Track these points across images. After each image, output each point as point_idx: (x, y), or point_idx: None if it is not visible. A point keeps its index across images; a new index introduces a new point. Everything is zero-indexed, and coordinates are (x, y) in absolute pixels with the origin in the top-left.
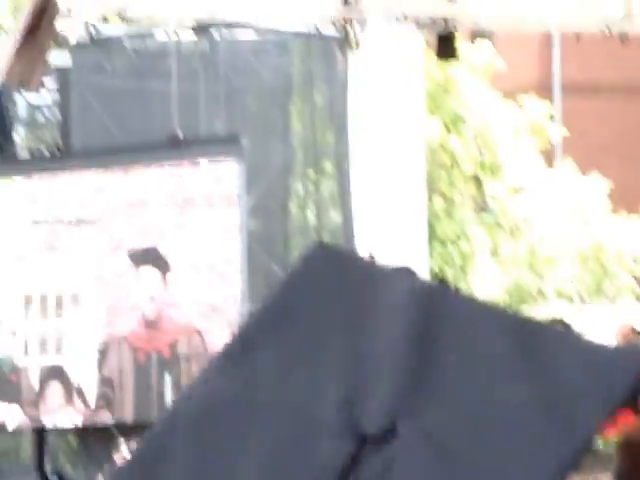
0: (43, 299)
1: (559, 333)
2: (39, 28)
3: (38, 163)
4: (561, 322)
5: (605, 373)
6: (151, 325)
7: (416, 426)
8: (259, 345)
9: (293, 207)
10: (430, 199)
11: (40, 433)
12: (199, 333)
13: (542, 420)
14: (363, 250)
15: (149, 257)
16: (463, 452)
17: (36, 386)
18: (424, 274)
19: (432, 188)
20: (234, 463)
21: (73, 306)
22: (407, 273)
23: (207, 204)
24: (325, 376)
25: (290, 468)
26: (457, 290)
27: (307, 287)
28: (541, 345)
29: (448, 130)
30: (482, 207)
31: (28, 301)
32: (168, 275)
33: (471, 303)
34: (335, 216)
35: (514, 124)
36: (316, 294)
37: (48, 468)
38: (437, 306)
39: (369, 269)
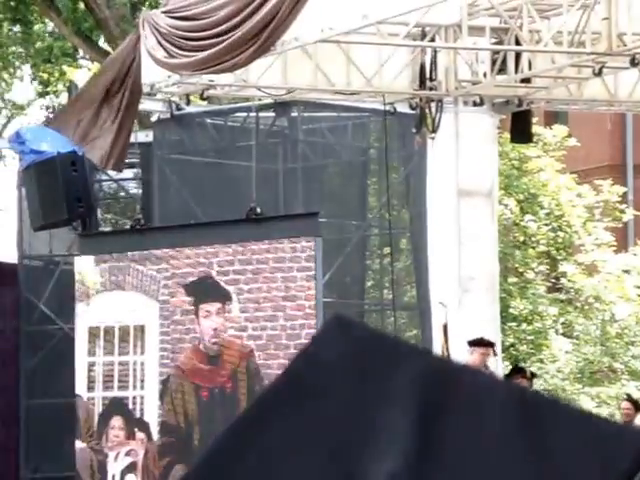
0: (108, 334)
1: (564, 408)
2: (121, 109)
3: (120, 237)
4: (629, 397)
5: (608, 452)
6: (211, 361)
7: None
8: (262, 425)
9: (369, 283)
10: (504, 277)
11: None
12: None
13: None
14: (438, 326)
15: (210, 291)
16: None
17: (97, 420)
18: (497, 350)
19: (506, 266)
20: None
21: (137, 341)
22: (421, 351)
23: (284, 277)
24: (327, 460)
25: None
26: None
27: (317, 364)
28: (545, 422)
29: (522, 209)
30: (555, 285)
31: (94, 336)
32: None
33: (484, 382)
34: (410, 293)
35: (587, 203)
36: (326, 371)
37: None
38: (446, 387)
39: (383, 346)
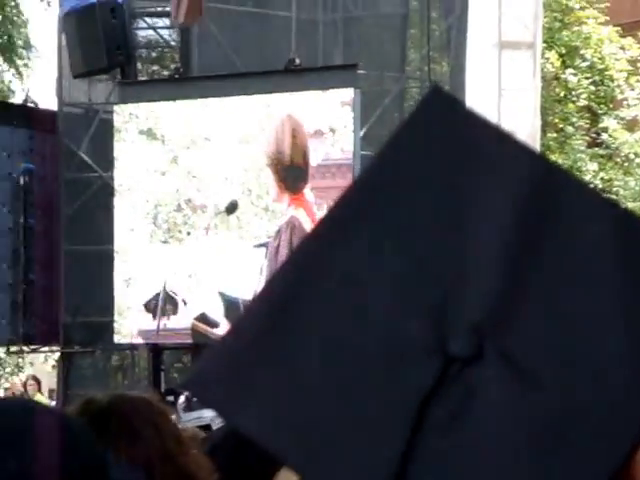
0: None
1: None
2: None
3: (158, 86)
4: None
5: None
6: None
7: (503, 350)
8: (351, 225)
9: None
10: (543, 131)
11: (156, 351)
12: None
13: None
14: None
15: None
16: (550, 385)
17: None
18: None
19: (546, 121)
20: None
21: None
22: (529, 152)
23: (322, 129)
24: (418, 276)
25: (367, 384)
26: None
27: (412, 151)
28: None
29: (563, 63)
30: (595, 140)
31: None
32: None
33: (592, 199)
34: None
35: (631, 57)
36: (422, 160)
37: (163, 386)
38: (551, 200)
39: (488, 136)
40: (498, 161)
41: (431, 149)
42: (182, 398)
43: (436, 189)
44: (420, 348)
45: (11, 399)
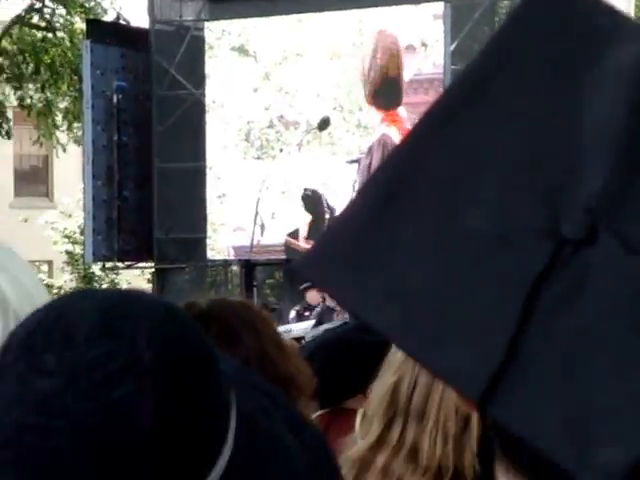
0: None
1: None
2: None
3: (250, 3)
4: None
5: None
6: None
7: (618, 232)
8: (454, 113)
9: None
10: None
11: (249, 267)
12: None
13: None
14: None
15: None
16: None
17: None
18: None
19: None
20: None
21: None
22: None
23: (414, 44)
24: (530, 159)
25: (478, 268)
26: None
27: (524, 30)
28: None
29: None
30: None
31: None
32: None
33: None
34: None
35: None
36: (534, 38)
37: (256, 301)
38: None
39: (600, 12)
40: (612, 37)
41: (541, 29)
42: (293, 313)
43: (548, 68)
44: (531, 231)
45: (117, 290)
